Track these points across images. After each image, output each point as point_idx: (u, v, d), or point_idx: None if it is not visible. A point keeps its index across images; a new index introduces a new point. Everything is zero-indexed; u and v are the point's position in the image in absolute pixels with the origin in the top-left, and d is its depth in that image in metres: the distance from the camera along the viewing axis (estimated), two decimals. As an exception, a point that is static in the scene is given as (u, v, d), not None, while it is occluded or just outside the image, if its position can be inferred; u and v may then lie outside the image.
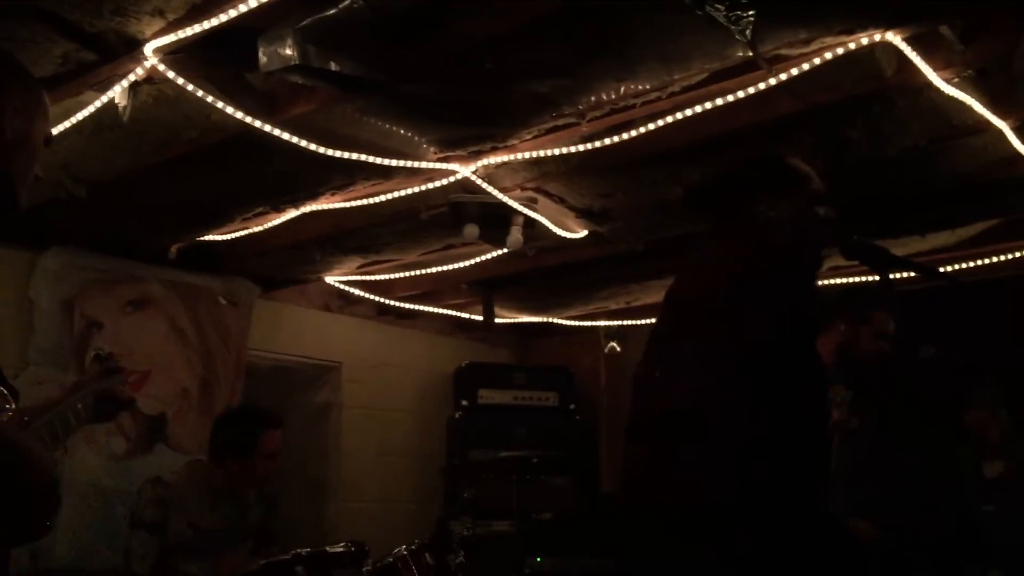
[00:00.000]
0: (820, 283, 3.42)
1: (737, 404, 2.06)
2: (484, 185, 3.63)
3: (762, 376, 2.05)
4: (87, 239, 4.35)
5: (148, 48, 2.60)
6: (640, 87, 2.77)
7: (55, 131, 3.01)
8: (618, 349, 6.15)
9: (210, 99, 2.82)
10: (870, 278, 4.33)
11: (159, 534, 3.16)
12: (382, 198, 3.77)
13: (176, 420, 4.58)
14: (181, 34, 2.52)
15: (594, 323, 6.05)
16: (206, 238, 4.29)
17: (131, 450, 4.41)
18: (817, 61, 2.60)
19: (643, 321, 5.67)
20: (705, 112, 2.90)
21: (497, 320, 5.65)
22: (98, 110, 2.89)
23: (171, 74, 2.69)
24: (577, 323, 6.00)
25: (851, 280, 4.59)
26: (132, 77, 2.72)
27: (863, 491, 3.17)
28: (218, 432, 3.48)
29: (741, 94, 2.79)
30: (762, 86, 2.73)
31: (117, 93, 2.77)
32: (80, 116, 2.93)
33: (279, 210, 3.94)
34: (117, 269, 4.51)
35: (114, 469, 4.32)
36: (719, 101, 2.84)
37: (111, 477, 4.28)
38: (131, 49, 2.63)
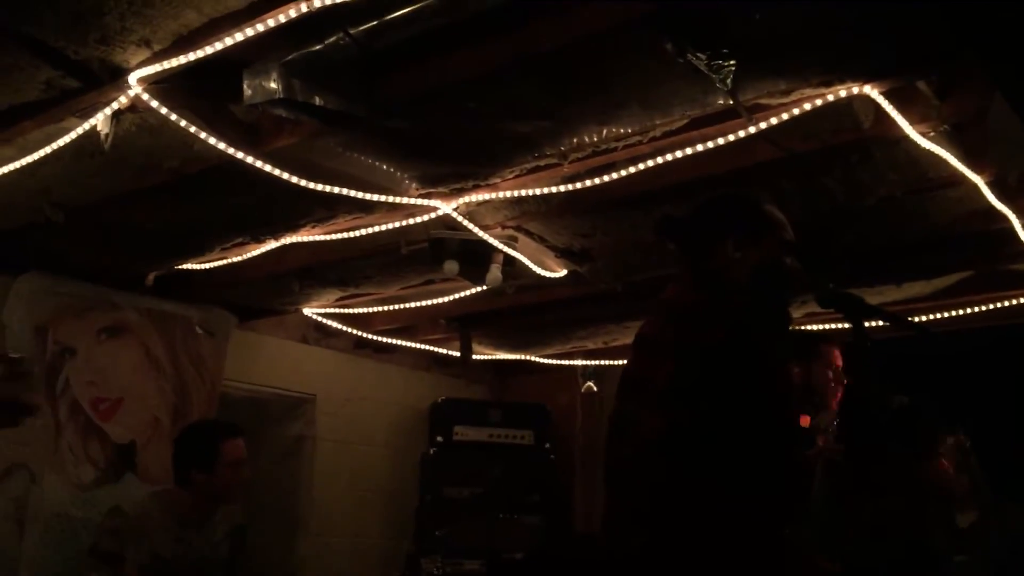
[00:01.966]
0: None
1: (681, 445, 2.07)
2: (465, 222, 3.64)
3: (711, 416, 2.06)
4: (63, 264, 4.31)
5: (132, 77, 2.60)
6: (622, 131, 2.80)
7: (35, 156, 3.01)
8: (595, 388, 6.14)
9: (193, 129, 2.83)
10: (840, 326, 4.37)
11: (115, 565, 3.11)
12: (363, 232, 3.78)
13: (146, 449, 4.52)
14: (166, 64, 2.52)
15: (572, 362, 6.05)
16: (184, 267, 4.27)
17: (99, 479, 4.34)
18: (796, 111, 2.64)
19: (620, 361, 5.67)
20: (685, 157, 2.93)
21: (474, 356, 5.63)
22: (80, 137, 2.88)
23: (155, 103, 2.69)
24: (555, 361, 6.00)
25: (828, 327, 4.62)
26: (115, 105, 2.71)
27: (838, 523, 3.18)
28: (179, 448, 3.46)
29: (721, 141, 2.82)
30: (742, 134, 2.77)
31: (100, 121, 2.77)
32: (61, 142, 2.92)
33: (259, 241, 3.93)
34: (92, 295, 4.47)
35: (82, 499, 4.24)
36: (699, 147, 2.87)
37: (78, 507, 4.21)
38: (115, 77, 2.63)
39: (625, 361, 2.39)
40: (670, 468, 2.08)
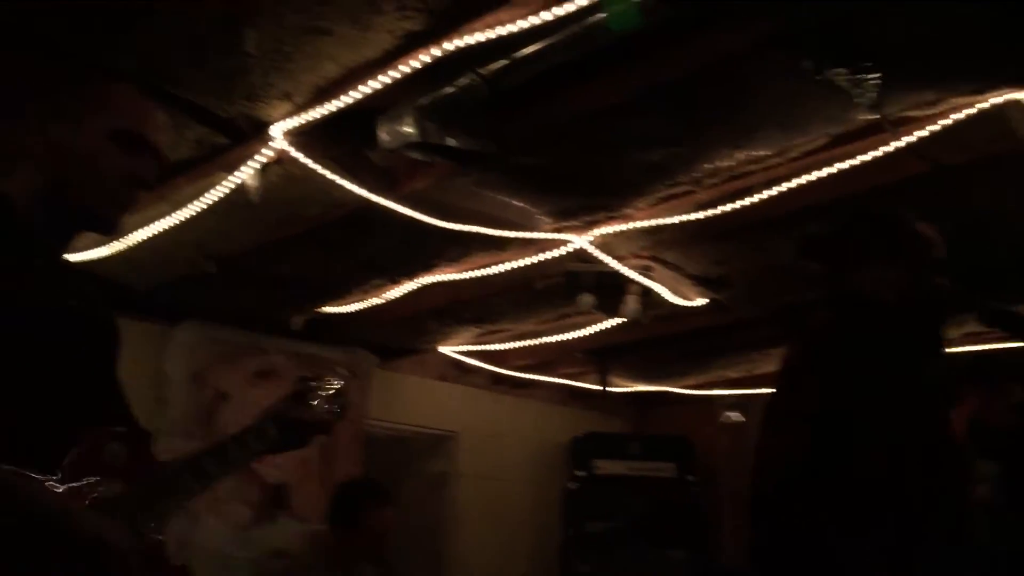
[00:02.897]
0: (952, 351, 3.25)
1: (824, 477, 1.97)
2: (599, 254, 3.62)
3: (854, 447, 1.96)
4: (216, 312, 4.52)
5: (276, 130, 2.71)
6: (758, 153, 2.74)
7: (189, 211, 3.16)
8: (738, 418, 5.97)
9: (333, 177, 2.92)
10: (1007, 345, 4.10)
11: None
12: (497, 269, 3.81)
13: (297, 489, 4.66)
14: (307, 116, 2.62)
15: (712, 392, 5.91)
16: (327, 310, 4.40)
17: (255, 519, 4.50)
18: (945, 122, 2.52)
19: (764, 390, 5.50)
20: (827, 176, 2.83)
21: (612, 389, 5.58)
22: (229, 190, 3.01)
23: (298, 154, 2.79)
24: (695, 392, 5.87)
25: (984, 348, 4.36)
26: (261, 158, 2.83)
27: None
28: (334, 501, 3.53)
29: (865, 157, 2.71)
30: (887, 149, 2.65)
31: (247, 174, 2.89)
32: (213, 197, 3.06)
33: (396, 282, 4.02)
34: (243, 341, 4.66)
35: (239, 538, 4.40)
36: (841, 165, 2.77)
37: (236, 546, 4.37)
38: (260, 132, 2.75)
39: (769, 390, 2.32)
40: (813, 500, 2.00)
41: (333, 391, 1.70)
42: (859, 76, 2.16)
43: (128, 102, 1.52)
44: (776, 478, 2.12)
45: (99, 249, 3.44)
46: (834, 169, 2.80)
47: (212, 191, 3.04)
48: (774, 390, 2.26)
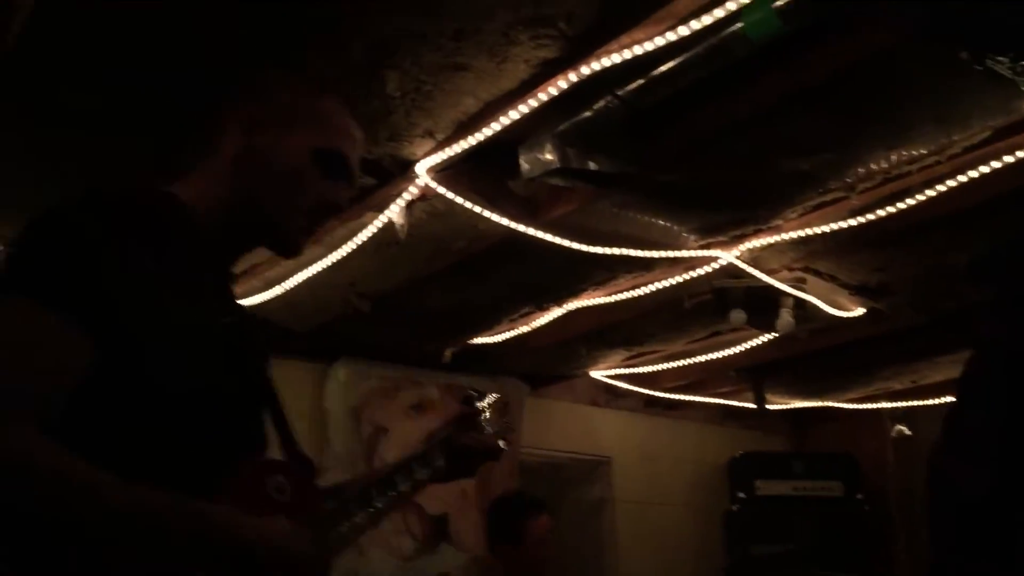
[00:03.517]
0: None
1: (1006, 505, 1.82)
2: (749, 269, 3.53)
3: None
4: (371, 349, 4.64)
5: (420, 167, 2.77)
6: (915, 153, 2.61)
7: (342, 253, 3.27)
8: (907, 432, 5.68)
9: (478, 209, 2.96)
10: None
11: None
12: (644, 290, 3.77)
13: (457, 519, 4.72)
14: (449, 152, 2.67)
15: (877, 405, 5.64)
16: (476, 341, 4.46)
17: (418, 550, 4.57)
18: (1124, 102, 2.34)
19: (933, 401, 5.21)
20: (991, 171, 2.67)
21: (769, 407, 5.41)
22: (378, 229, 3.10)
23: (442, 190, 2.85)
24: (858, 406, 5.62)
25: None
26: (407, 196, 2.90)
27: None
28: (489, 521, 3.55)
29: (1033, 148, 2.55)
30: (1058, 137, 2.49)
31: (395, 213, 2.97)
32: (363, 237, 3.15)
33: (544, 309, 4.04)
34: (399, 376, 4.77)
35: (403, 569, 4.49)
36: (1007, 159, 2.61)
37: (401, 577, 4.46)
38: (404, 170, 2.82)
39: (939, 400, 2.18)
40: (996, 531, 1.85)
41: (497, 413, 1.62)
42: (1023, 63, 2.03)
43: (336, 118, 1.42)
44: (954, 507, 1.98)
45: (260, 295, 3.60)
46: (999, 164, 2.64)
47: (363, 231, 3.14)
48: (954, 401, 2.13)
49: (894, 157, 2.64)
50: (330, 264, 3.36)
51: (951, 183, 2.76)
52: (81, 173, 2.75)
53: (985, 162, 2.65)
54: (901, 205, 2.92)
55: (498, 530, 3.47)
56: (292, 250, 1.43)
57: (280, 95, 1.41)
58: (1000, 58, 2.05)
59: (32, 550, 1.12)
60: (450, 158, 2.70)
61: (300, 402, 4.57)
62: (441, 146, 2.68)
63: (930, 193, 2.83)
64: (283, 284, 3.54)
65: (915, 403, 5.48)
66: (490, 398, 1.62)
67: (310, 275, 3.46)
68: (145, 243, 1.23)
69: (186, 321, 1.25)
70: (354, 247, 3.22)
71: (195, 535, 1.15)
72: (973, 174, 2.69)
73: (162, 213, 1.30)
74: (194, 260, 1.32)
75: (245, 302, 3.52)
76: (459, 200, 2.90)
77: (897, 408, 5.63)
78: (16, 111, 2.57)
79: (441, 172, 2.82)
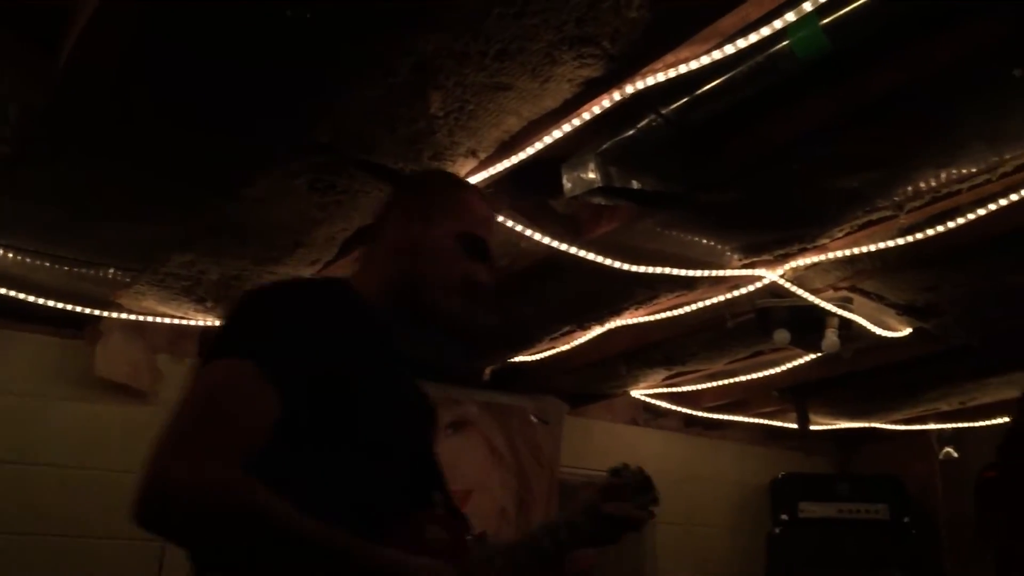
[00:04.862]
0: None
1: None
2: (793, 288, 3.48)
3: None
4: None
5: (462, 186, 2.77)
6: (965, 171, 2.56)
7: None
8: (955, 455, 5.56)
9: (519, 228, 2.95)
10: None
11: None
12: (686, 309, 3.73)
13: (497, 539, 4.67)
14: (492, 170, 2.66)
15: (923, 427, 5.54)
16: (516, 359, 4.44)
17: (458, 569, 4.54)
18: None
19: (982, 423, 5.11)
20: (1044, 190, 2.62)
21: (812, 427, 5.32)
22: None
23: (484, 208, 2.84)
24: (904, 427, 5.52)
25: None
26: (451, 215, 2.90)
27: None
28: None
29: (1089, 166, 2.49)
30: (1114, 155, 2.43)
31: (438, 232, 2.96)
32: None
33: (584, 328, 4.01)
34: (438, 394, 4.74)
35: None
36: (1061, 177, 2.55)
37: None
38: (446, 189, 2.81)
39: (988, 422, 2.13)
40: None
41: (642, 487, 1.65)
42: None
43: (477, 207, 1.64)
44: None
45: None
46: (1053, 182, 2.59)
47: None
48: (1012, 424, 2.08)
49: (944, 175, 2.60)
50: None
51: (1002, 202, 2.71)
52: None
53: (1038, 181, 2.60)
54: (951, 224, 2.86)
55: None
56: (458, 329, 1.63)
57: (431, 188, 1.65)
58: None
59: None
60: (492, 177, 2.69)
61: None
62: (484, 165, 2.67)
63: (980, 212, 2.78)
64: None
65: (963, 425, 5.38)
66: (636, 471, 1.67)
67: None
68: (338, 315, 1.45)
69: (385, 388, 1.46)
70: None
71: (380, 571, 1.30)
72: (1025, 193, 2.64)
73: (345, 293, 1.53)
74: (374, 334, 1.52)
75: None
76: (500, 218, 2.90)
77: (944, 430, 5.52)
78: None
79: (484, 190, 2.81)
